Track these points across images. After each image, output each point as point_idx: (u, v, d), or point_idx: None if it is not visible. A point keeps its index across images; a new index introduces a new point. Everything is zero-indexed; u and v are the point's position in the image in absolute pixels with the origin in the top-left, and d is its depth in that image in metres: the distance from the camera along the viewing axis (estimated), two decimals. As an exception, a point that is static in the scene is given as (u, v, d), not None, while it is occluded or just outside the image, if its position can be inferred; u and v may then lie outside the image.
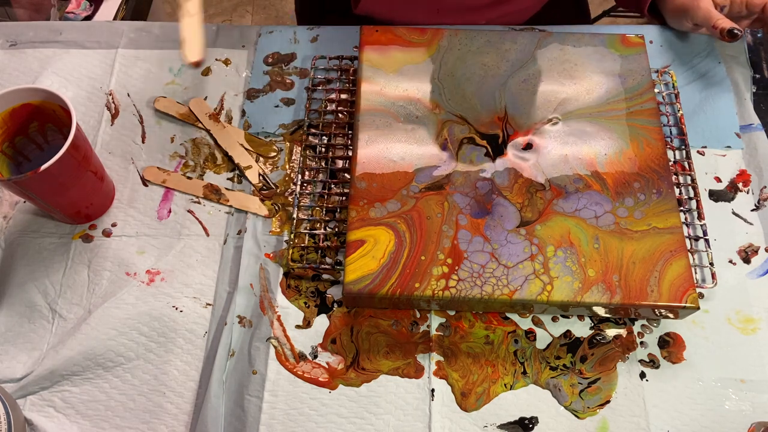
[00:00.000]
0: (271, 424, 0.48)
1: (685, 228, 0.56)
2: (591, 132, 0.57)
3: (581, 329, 0.52)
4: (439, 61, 0.60)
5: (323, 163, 0.59)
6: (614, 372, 0.50)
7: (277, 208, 0.57)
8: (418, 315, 0.52)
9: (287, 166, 0.59)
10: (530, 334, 0.52)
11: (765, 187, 0.59)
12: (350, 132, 0.60)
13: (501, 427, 0.48)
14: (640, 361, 0.51)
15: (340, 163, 0.59)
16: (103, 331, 0.51)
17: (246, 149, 0.60)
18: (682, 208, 0.56)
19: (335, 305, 0.53)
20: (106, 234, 0.56)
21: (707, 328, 0.52)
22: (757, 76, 0.66)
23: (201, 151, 0.61)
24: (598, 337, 0.52)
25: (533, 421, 0.49)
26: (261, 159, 0.60)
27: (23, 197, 0.53)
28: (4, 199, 0.58)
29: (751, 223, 0.57)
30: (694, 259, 0.55)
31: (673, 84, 0.64)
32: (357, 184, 0.53)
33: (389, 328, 0.52)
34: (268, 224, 0.56)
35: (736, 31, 0.60)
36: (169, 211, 0.57)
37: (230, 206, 0.58)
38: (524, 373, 0.50)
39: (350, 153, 0.57)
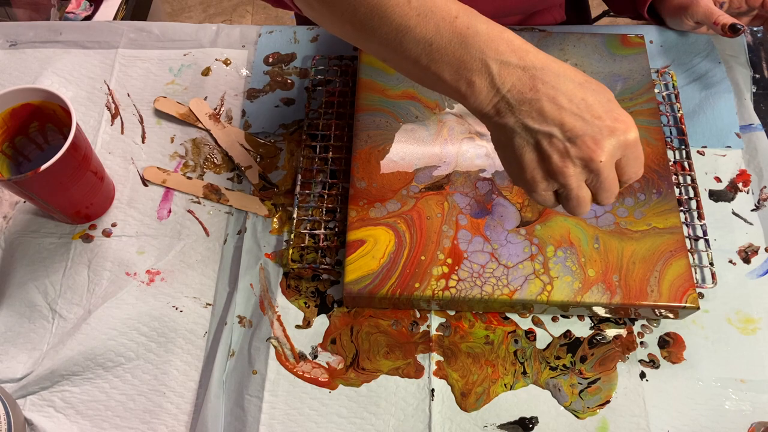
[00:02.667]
0: (271, 424, 0.48)
1: (685, 228, 0.56)
2: (591, 132, 0.57)
3: (581, 329, 0.52)
4: (439, 61, 0.60)
5: (323, 163, 0.59)
6: (614, 372, 0.50)
7: (277, 208, 0.57)
8: (418, 315, 0.52)
9: (287, 166, 0.59)
10: (530, 334, 0.52)
11: (765, 187, 0.59)
12: (350, 132, 0.60)
13: (501, 427, 0.48)
14: (640, 361, 0.51)
15: (340, 163, 0.59)
16: (103, 331, 0.51)
17: (246, 149, 0.60)
18: (682, 208, 0.56)
19: (335, 305, 0.53)
20: (106, 234, 0.56)
21: (707, 328, 0.52)
22: (757, 76, 0.66)
23: (201, 151, 0.61)
24: (598, 337, 0.52)
25: (533, 421, 0.49)
26: (261, 159, 0.60)
27: (23, 197, 0.53)
28: (4, 199, 0.58)
29: (751, 223, 0.57)
30: (694, 259, 0.55)
31: (673, 84, 0.64)
32: (357, 184, 0.53)
33: (389, 328, 0.52)
34: (268, 224, 0.56)
35: (738, 26, 0.59)
36: (169, 211, 0.57)
37: (230, 206, 0.58)
38: (524, 373, 0.50)
39: (350, 153, 0.57)
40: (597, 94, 0.38)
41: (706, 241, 0.55)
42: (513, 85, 0.37)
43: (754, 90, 0.65)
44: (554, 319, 0.53)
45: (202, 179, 0.59)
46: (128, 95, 0.63)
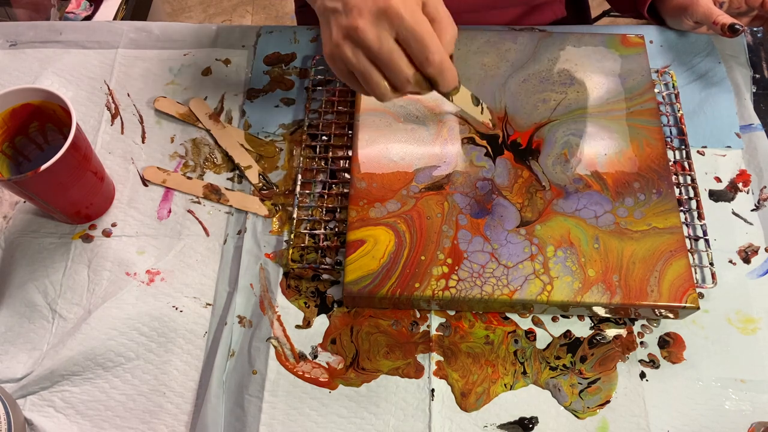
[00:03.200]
0: (271, 424, 0.48)
1: (685, 228, 0.56)
2: (591, 132, 0.57)
3: (581, 329, 0.52)
4: (439, 61, 0.60)
5: (323, 163, 0.59)
6: (614, 372, 0.50)
7: (277, 208, 0.57)
8: (418, 315, 0.52)
9: (287, 166, 0.59)
10: (530, 334, 0.52)
11: (765, 187, 0.59)
12: (350, 132, 0.60)
13: (501, 427, 0.48)
14: (640, 361, 0.51)
15: (340, 163, 0.59)
16: (103, 331, 0.51)
17: (246, 149, 0.60)
18: (682, 208, 0.56)
19: (335, 305, 0.53)
20: (106, 234, 0.56)
21: (707, 328, 0.52)
22: (757, 76, 0.66)
23: (201, 151, 0.61)
24: (598, 337, 0.52)
25: (533, 421, 0.49)
26: (261, 159, 0.60)
27: (23, 197, 0.53)
28: (4, 199, 0.58)
29: (751, 223, 0.57)
30: (694, 259, 0.55)
31: (673, 84, 0.64)
32: (357, 184, 0.53)
33: (389, 328, 0.52)
34: (268, 224, 0.56)
35: (737, 26, 0.59)
36: (169, 211, 0.57)
37: (230, 206, 0.58)
38: (524, 373, 0.50)
39: (350, 153, 0.57)
40: None
41: (706, 241, 0.55)
42: None
43: (754, 90, 0.65)
44: (554, 319, 0.53)
45: (202, 179, 0.59)
46: (128, 95, 0.63)
